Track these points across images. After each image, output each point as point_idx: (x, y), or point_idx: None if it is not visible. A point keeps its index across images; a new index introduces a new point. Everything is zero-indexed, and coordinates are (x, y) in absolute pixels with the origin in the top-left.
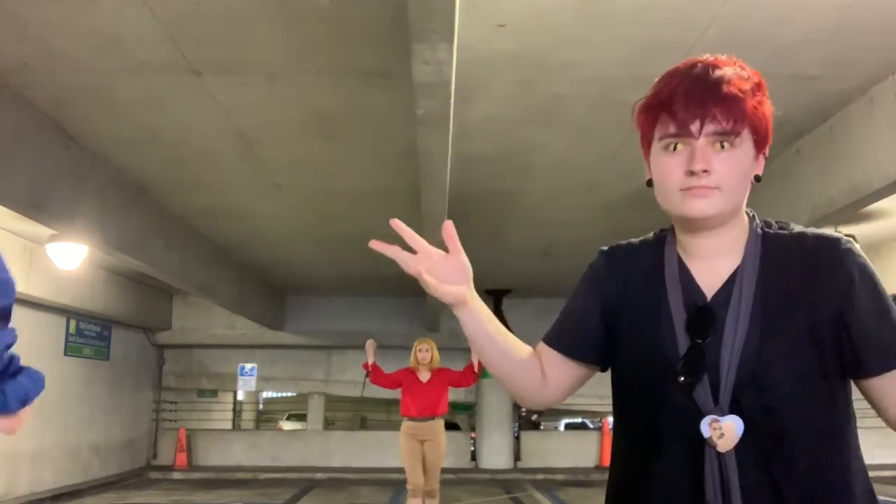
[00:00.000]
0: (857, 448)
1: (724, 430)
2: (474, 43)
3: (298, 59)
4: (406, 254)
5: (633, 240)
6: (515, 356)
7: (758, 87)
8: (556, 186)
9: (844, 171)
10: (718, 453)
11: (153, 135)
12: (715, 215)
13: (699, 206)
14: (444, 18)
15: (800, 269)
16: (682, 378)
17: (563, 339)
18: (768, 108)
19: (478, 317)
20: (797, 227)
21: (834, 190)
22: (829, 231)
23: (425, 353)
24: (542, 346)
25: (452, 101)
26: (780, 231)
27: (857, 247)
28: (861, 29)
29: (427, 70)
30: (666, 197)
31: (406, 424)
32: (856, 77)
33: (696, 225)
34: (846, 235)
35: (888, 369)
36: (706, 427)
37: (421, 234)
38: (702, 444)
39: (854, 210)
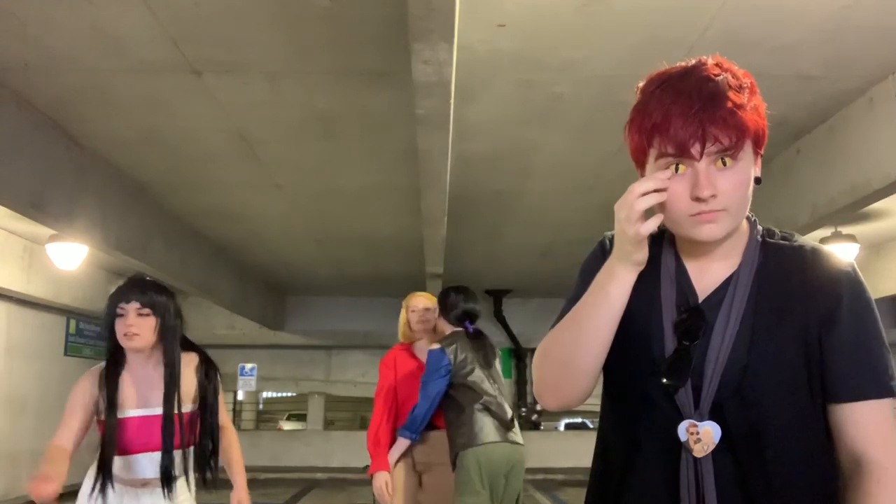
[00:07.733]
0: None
1: (702, 436)
2: (474, 43)
3: (298, 59)
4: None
5: None
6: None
7: (751, 91)
8: (556, 186)
9: (844, 171)
10: (695, 459)
11: (153, 135)
12: (724, 237)
13: (709, 231)
14: (444, 18)
15: (796, 282)
16: (666, 380)
17: None
18: (762, 109)
19: (625, 294)
20: (800, 240)
21: (834, 190)
22: (835, 252)
23: (425, 316)
24: None
25: (452, 101)
26: (781, 241)
27: (859, 274)
28: (861, 30)
29: (427, 70)
30: (675, 222)
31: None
32: (856, 77)
33: (703, 247)
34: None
35: (849, 399)
36: (683, 431)
37: (420, 234)
38: (679, 447)
39: (854, 210)
